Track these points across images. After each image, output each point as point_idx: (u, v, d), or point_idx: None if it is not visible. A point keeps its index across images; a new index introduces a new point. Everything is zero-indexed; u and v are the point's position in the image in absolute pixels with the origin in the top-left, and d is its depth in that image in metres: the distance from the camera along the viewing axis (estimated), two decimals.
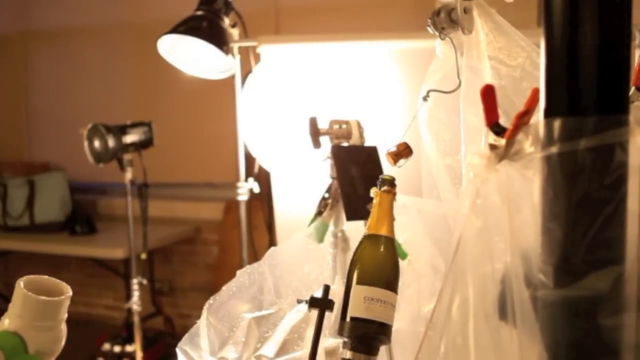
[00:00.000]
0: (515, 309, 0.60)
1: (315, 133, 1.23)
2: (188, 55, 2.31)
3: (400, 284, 0.85)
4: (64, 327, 0.87)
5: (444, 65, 1.06)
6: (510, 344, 0.61)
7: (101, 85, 4.08)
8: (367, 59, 2.09)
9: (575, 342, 0.57)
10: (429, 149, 1.06)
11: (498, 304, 0.62)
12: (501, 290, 0.62)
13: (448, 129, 1.04)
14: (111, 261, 3.67)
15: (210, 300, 1.08)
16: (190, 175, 3.85)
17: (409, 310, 1.12)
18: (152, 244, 3.20)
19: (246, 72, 2.28)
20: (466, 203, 0.66)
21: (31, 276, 0.85)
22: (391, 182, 0.86)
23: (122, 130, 2.74)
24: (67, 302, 0.86)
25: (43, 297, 0.83)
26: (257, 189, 2.41)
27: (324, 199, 1.23)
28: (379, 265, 0.84)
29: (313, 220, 1.21)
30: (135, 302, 2.79)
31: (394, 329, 0.83)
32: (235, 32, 2.28)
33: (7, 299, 0.84)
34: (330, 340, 1.06)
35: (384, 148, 1.05)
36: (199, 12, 2.24)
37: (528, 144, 0.61)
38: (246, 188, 2.40)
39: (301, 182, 2.04)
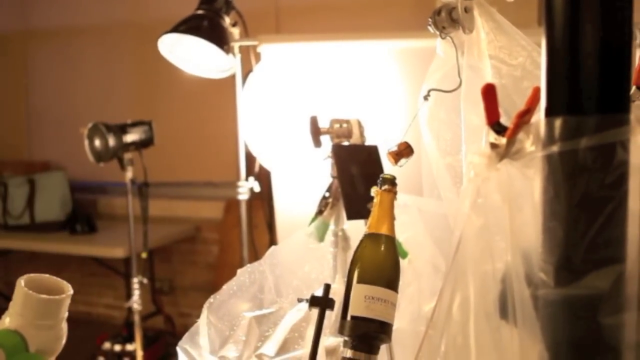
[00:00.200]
0: (515, 308, 0.60)
1: (316, 132, 1.23)
2: (189, 55, 2.32)
3: (401, 283, 0.85)
4: (64, 326, 0.87)
5: (445, 65, 1.06)
6: (511, 343, 0.61)
7: (101, 85, 4.08)
8: (367, 58, 2.09)
9: (575, 341, 0.57)
10: (429, 148, 1.05)
11: (499, 303, 0.62)
12: (502, 290, 0.62)
13: (449, 128, 1.04)
14: (111, 260, 3.67)
15: (211, 299, 1.08)
16: (190, 175, 3.85)
17: (410, 309, 1.12)
18: (152, 243, 3.20)
19: (247, 71, 2.28)
20: (467, 202, 0.66)
21: (32, 275, 0.85)
22: (392, 181, 0.86)
23: (122, 129, 2.74)
24: (68, 301, 0.86)
25: (44, 296, 0.83)
26: (257, 188, 2.41)
27: (324, 198, 1.22)
28: (380, 264, 0.84)
29: (314, 219, 1.21)
30: (136, 301, 2.79)
31: (394, 328, 0.83)
32: (235, 31, 2.29)
33: (8, 298, 0.84)
34: (330, 339, 1.06)
35: (385, 147, 1.05)
36: (200, 11, 2.24)
37: (529, 143, 0.61)
38: (246, 187, 2.41)
39: (302, 181, 2.04)
